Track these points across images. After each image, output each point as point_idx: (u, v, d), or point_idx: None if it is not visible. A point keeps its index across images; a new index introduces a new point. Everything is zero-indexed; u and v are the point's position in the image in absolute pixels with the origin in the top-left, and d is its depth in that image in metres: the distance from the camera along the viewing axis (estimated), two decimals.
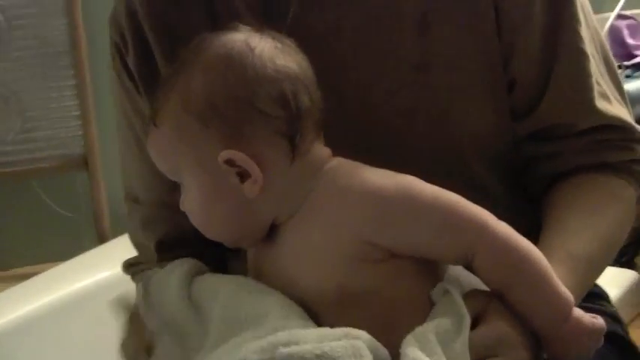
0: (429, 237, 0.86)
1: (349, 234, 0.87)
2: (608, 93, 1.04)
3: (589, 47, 1.03)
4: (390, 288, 0.87)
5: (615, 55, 2.40)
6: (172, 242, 1.17)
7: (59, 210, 2.41)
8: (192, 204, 0.91)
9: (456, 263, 0.88)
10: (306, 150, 0.89)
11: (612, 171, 1.04)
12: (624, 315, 1.48)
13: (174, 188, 1.11)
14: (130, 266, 1.22)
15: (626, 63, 2.39)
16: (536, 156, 1.06)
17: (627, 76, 2.30)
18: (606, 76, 1.06)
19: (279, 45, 0.91)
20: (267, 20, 1.03)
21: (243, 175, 0.87)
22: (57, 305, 1.83)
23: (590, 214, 0.98)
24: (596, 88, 1.03)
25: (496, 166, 1.02)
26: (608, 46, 1.10)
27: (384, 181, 0.88)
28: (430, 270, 0.89)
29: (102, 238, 2.24)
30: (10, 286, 1.96)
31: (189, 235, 1.13)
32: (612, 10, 2.49)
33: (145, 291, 1.03)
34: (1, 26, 2.25)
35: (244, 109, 0.87)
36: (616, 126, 1.03)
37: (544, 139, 1.03)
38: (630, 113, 1.07)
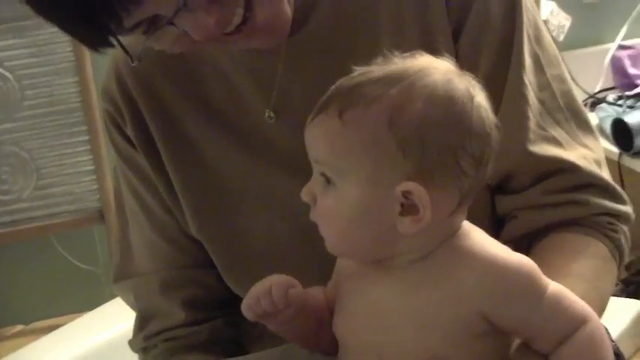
0: (538, 318, 0.86)
1: (467, 302, 0.86)
2: (560, 138, 1.06)
3: (534, 93, 1.06)
4: None
5: (618, 86, 2.46)
6: (200, 302, 1.18)
7: (78, 264, 2.42)
8: (338, 208, 0.88)
9: (543, 347, 0.88)
10: (460, 211, 0.90)
11: (578, 227, 1.05)
12: (628, 346, 1.60)
13: (190, 251, 1.16)
14: (145, 338, 1.20)
15: (627, 93, 2.36)
16: (502, 213, 1.07)
17: (630, 107, 2.27)
18: (567, 122, 1.08)
19: (487, 100, 0.91)
20: (257, 81, 1.08)
21: (407, 209, 0.86)
22: (79, 358, 1.84)
23: (561, 276, 0.97)
24: (534, 131, 1.04)
25: (480, 217, 0.99)
26: (575, 95, 1.11)
27: (508, 257, 0.87)
28: (507, 348, 0.91)
29: None
30: (33, 339, 1.99)
31: (216, 295, 1.17)
32: (613, 40, 2.50)
33: None
34: (12, 86, 2.28)
35: (447, 156, 0.86)
36: (562, 169, 1.04)
37: (505, 193, 1.05)
38: (596, 159, 1.08)
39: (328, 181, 0.87)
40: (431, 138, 0.84)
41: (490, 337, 0.86)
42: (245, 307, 0.92)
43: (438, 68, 0.88)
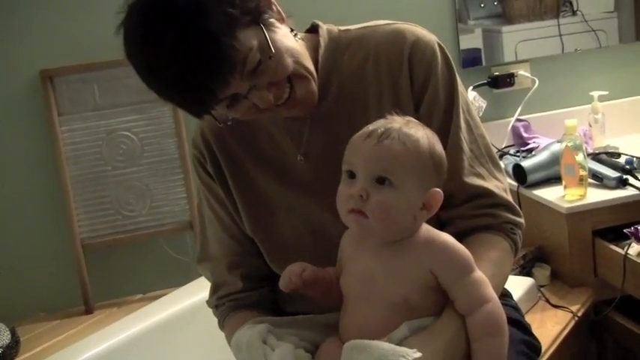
0: (460, 286, 0.97)
1: (424, 265, 0.96)
2: (483, 173, 1.17)
3: (467, 145, 1.16)
4: (430, 305, 0.98)
5: (515, 144, 2.73)
6: (252, 276, 1.28)
7: (176, 255, 2.68)
8: (392, 201, 0.94)
9: (459, 308, 0.98)
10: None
11: (491, 231, 1.16)
12: (523, 307, 1.79)
13: (246, 244, 1.25)
14: (217, 299, 1.29)
15: (522, 149, 2.70)
16: (444, 220, 1.16)
17: (523, 157, 2.54)
18: (487, 164, 1.19)
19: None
20: (292, 137, 1.18)
21: (425, 206, 0.97)
22: (178, 313, 2.23)
23: (479, 260, 1.05)
24: (467, 169, 1.15)
25: (430, 223, 1.06)
26: (491, 147, 1.23)
27: (453, 242, 0.99)
28: (443, 302, 1.00)
29: None
30: (149, 302, 2.37)
31: (263, 272, 1.27)
32: (513, 116, 2.79)
33: (236, 348, 1.09)
34: (136, 144, 2.60)
35: (441, 175, 1.00)
36: (483, 193, 1.16)
37: (446, 207, 1.09)
38: (504, 188, 1.19)
39: (382, 182, 0.94)
40: (442, 165, 1.00)
41: (437, 291, 0.98)
42: (281, 285, 1.04)
43: (431, 130, 1.01)
